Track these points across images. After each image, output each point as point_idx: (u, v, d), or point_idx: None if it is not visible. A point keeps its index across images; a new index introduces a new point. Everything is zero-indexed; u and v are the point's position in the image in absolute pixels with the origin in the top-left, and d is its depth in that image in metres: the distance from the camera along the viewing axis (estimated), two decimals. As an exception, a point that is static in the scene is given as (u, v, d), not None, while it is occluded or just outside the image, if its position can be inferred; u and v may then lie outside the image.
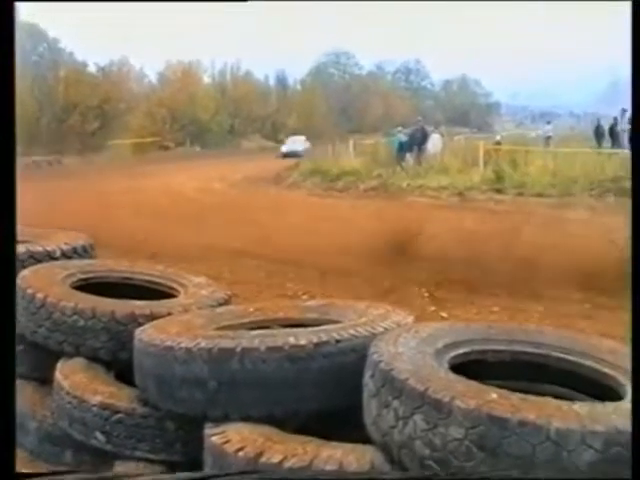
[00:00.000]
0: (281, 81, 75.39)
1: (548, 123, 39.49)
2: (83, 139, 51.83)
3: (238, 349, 3.41)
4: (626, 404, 2.79)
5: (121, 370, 4.33)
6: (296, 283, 8.75)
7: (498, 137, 34.21)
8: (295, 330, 3.66)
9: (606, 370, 3.32)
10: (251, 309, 4.36)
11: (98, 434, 3.95)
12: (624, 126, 24.31)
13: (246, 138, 59.43)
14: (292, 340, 3.44)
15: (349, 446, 3.09)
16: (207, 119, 58.77)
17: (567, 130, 45.49)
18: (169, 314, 4.35)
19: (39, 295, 4.60)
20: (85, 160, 45.41)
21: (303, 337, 3.47)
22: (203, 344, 3.49)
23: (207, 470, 3.30)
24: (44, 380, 4.78)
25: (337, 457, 2.99)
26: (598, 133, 29.86)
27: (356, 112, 72.52)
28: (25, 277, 4.92)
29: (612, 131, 28.12)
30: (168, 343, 3.59)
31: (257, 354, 3.40)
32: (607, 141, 28.61)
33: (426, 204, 18.90)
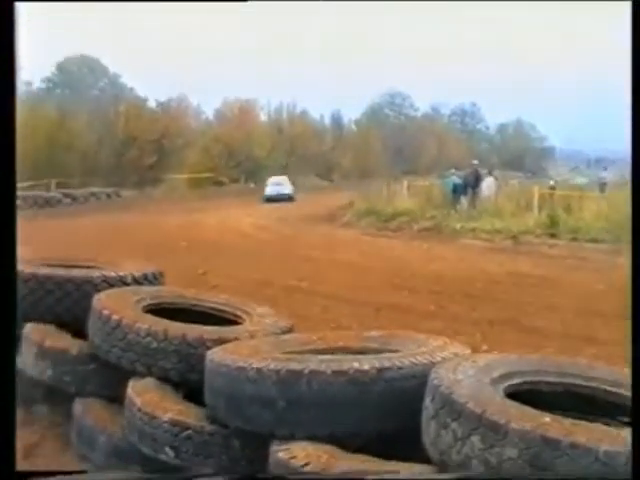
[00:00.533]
0: (336, 120, 76.02)
1: (605, 169, 39.32)
2: (140, 172, 52.78)
3: (306, 371, 3.61)
4: None
5: (189, 391, 4.51)
6: (350, 319, 8.90)
7: (552, 182, 34.21)
8: (359, 356, 3.86)
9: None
10: (314, 337, 4.55)
11: (167, 449, 4.11)
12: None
13: (301, 176, 60.04)
14: (356, 365, 3.63)
15: (407, 465, 3.28)
16: (263, 156, 59.37)
17: (623, 176, 45.11)
18: (236, 339, 4.54)
19: (115, 317, 4.81)
20: (142, 193, 46.28)
21: (367, 363, 3.66)
22: (273, 366, 3.68)
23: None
24: (113, 398, 4.93)
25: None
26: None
27: (411, 153, 72.76)
28: (100, 299, 5.17)
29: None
30: (240, 364, 3.79)
31: (324, 377, 3.59)
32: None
33: (479, 247, 18.98)
